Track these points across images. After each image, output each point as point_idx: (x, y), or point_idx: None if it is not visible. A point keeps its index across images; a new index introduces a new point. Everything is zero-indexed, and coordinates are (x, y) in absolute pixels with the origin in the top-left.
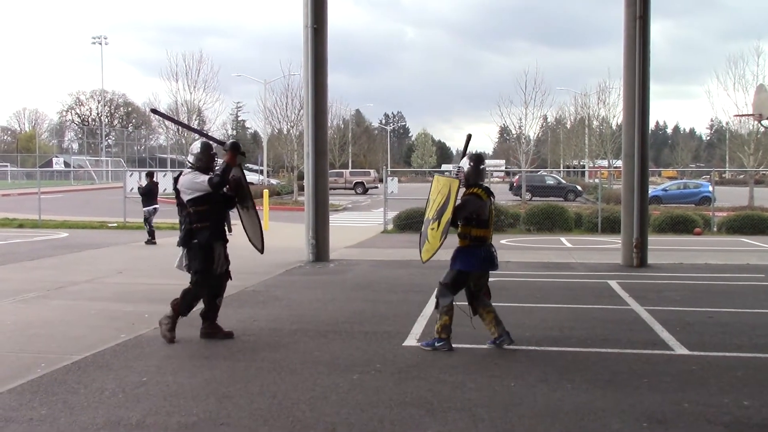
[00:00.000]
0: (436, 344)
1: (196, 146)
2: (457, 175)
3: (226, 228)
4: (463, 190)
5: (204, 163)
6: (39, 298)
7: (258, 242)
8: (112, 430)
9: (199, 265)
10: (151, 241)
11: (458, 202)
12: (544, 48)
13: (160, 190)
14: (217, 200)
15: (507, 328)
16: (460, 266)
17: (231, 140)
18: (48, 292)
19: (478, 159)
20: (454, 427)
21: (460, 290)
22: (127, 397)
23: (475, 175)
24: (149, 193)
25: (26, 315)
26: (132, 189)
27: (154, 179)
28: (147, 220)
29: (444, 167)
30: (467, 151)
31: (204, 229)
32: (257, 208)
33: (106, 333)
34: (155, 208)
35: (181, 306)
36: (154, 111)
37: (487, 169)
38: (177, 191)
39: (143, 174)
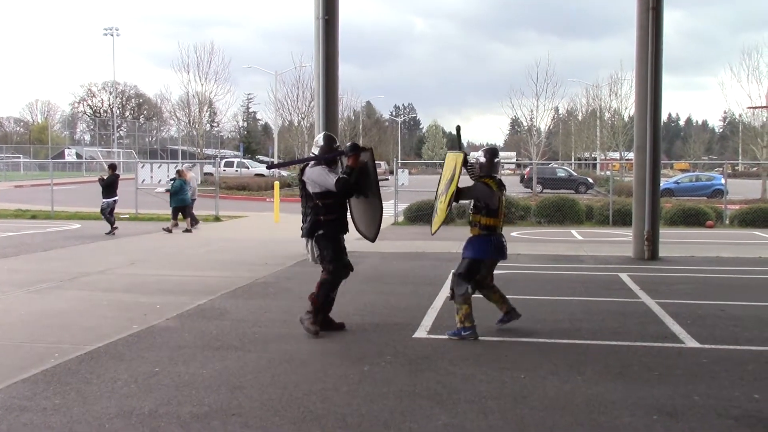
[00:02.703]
0: (462, 333)
1: (320, 138)
2: (472, 166)
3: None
4: (473, 171)
5: (328, 156)
6: (52, 289)
7: (370, 232)
8: (124, 419)
9: (331, 254)
10: (112, 231)
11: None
12: (555, 38)
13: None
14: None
15: (518, 321)
16: (473, 254)
17: (349, 143)
18: (61, 282)
19: (492, 153)
20: (464, 418)
21: (474, 278)
22: (139, 387)
23: (488, 168)
24: (111, 186)
25: (40, 305)
26: (143, 180)
27: (116, 172)
28: (104, 210)
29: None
30: (461, 143)
31: (331, 221)
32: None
33: (118, 324)
34: (115, 200)
35: (320, 297)
36: (271, 166)
37: (501, 162)
38: (303, 182)
39: (151, 165)
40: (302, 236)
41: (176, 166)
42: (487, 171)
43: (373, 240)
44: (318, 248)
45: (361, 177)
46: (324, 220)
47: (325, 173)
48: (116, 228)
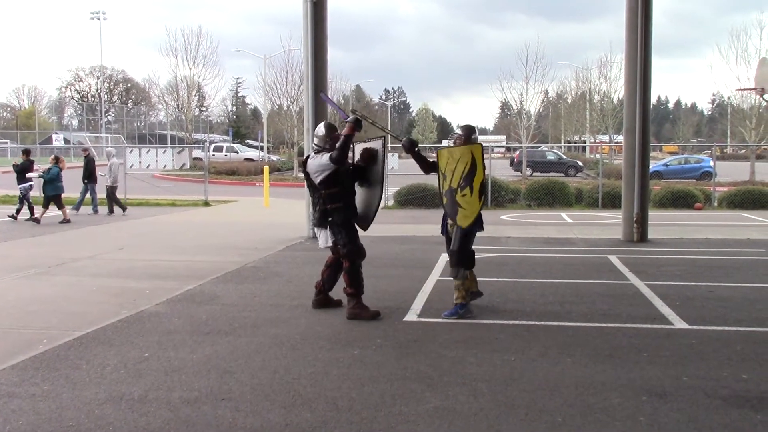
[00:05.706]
0: (460, 311)
1: (320, 128)
2: (455, 143)
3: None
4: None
5: (330, 143)
6: (40, 275)
7: (365, 220)
8: (114, 405)
9: (346, 238)
10: (36, 218)
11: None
12: (543, 21)
13: (159, 165)
14: (347, 181)
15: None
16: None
17: (353, 114)
18: (49, 268)
19: (470, 130)
20: (454, 401)
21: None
22: (129, 372)
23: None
24: (26, 171)
25: (28, 291)
26: (131, 165)
27: (30, 157)
28: (24, 197)
29: (444, 143)
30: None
31: (337, 209)
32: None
33: (107, 309)
34: (31, 185)
35: (354, 287)
36: (324, 96)
37: (479, 138)
38: (307, 174)
39: (140, 150)
40: (313, 226)
41: (53, 152)
42: None
43: (365, 228)
44: (333, 235)
45: (369, 162)
46: (332, 209)
47: (322, 157)
48: (28, 217)
